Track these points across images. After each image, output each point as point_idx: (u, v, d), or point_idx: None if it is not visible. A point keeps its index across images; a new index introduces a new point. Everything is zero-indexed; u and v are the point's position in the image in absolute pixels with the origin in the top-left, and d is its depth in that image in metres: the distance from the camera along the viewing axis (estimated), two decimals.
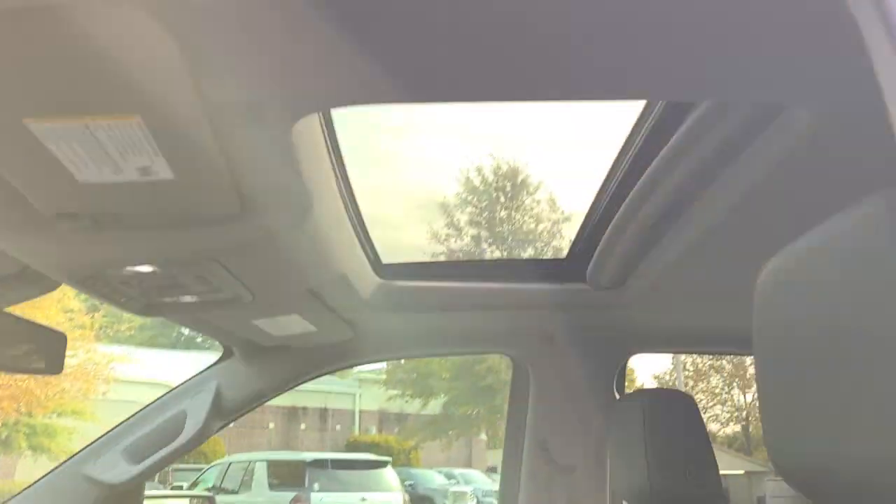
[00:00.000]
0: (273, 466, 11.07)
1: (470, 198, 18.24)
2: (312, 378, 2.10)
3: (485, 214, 18.37)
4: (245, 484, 11.04)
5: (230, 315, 1.60)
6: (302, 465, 10.90)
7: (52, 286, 1.30)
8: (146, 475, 1.94)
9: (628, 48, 0.79)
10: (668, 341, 2.07)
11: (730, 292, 1.66)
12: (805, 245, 0.65)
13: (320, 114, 0.99)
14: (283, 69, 0.77)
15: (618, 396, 2.04)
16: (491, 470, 25.65)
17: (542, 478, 2.02)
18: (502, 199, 18.47)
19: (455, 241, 18.21)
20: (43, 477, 2.02)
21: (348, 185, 1.33)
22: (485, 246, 18.06)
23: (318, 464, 11.00)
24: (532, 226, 18.52)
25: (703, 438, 1.56)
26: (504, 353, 2.11)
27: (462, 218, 18.43)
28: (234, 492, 11.07)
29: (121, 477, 1.92)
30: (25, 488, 1.99)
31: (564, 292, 1.77)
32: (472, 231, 18.35)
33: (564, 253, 1.80)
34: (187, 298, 1.37)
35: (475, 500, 20.79)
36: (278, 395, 2.06)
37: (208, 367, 2.07)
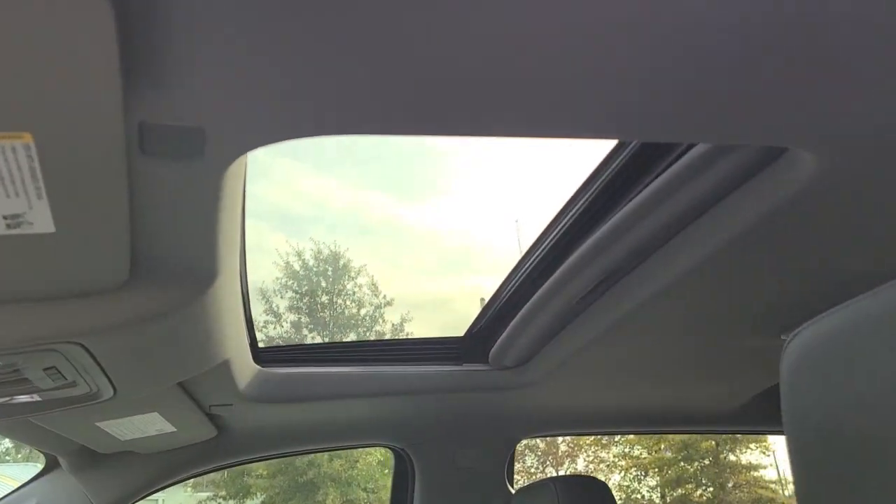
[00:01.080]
0: None
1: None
2: (161, 489, 1.76)
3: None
4: None
5: (71, 417, 1.28)
6: None
7: None
8: None
9: (623, 86, 0.70)
10: (565, 422, 1.99)
11: (641, 370, 1.62)
12: (839, 319, 0.58)
13: (246, 159, 0.80)
14: (242, 88, 0.60)
15: (509, 484, 1.91)
16: None
17: None
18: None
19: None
20: None
21: (244, 252, 1.12)
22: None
23: None
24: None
25: None
26: (387, 444, 1.91)
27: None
28: None
29: None
30: None
31: (460, 373, 1.63)
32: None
33: (459, 333, 1.68)
34: (24, 399, 1.06)
35: None
36: None
37: (24, 485, 1.67)
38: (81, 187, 0.63)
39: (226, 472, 15.45)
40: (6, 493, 1.70)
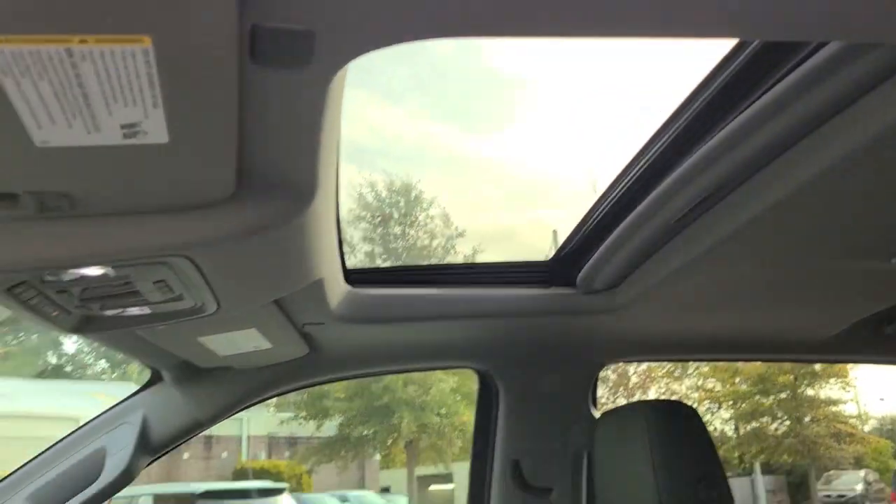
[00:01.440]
0: (159, 501, 10.33)
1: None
2: (256, 403, 1.84)
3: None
4: None
5: (175, 332, 1.34)
6: (190, 499, 10.23)
7: None
8: None
9: None
10: (651, 348, 1.96)
11: (737, 294, 1.58)
12: None
13: (347, 72, 0.79)
14: None
15: (593, 409, 1.92)
16: (384, 490, 25.31)
17: (515, 502, 1.85)
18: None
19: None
20: None
21: (338, 169, 1.12)
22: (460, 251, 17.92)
23: (209, 495, 10.36)
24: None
25: (713, 452, 1.45)
26: (472, 366, 1.93)
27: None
28: None
29: None
30: None
31: (547, 297, 1.62)
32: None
33: (547, 256, 1.66)
34: (134, 311, 1.11)
35: None
36: (216, 423, 1.79)
37: (131, 396, 1.77)
38: (195, 96, 0.63)
39: (305, 394, 16.19)
40: (111, 405, 1.81)
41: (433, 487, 25.49)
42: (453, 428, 15.62)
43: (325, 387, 15.61)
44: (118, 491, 1.63)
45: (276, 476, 18.96)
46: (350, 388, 15.69)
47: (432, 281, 1.63)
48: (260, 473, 20.01)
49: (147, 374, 1.80)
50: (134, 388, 1.82)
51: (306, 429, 18.40)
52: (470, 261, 16.87)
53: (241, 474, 21.27)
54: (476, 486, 1.94)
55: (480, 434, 1.96)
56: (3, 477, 1.69)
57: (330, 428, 17.41)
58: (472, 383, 15.94)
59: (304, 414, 16.98)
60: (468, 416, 15.36)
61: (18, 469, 1.69)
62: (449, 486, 25.63)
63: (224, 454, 23.63)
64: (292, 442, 24.51)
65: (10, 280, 0.90)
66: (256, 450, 25.53)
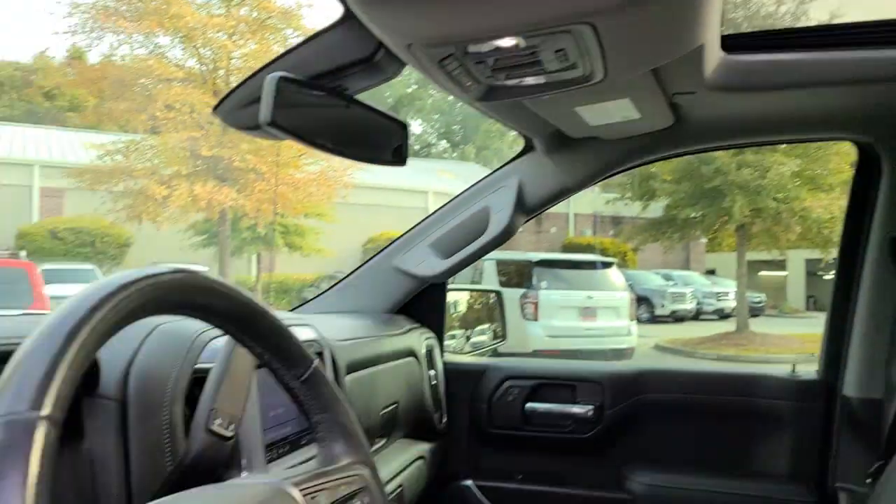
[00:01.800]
0: (501, 265, 11.58)
1: None
2: (618, 172, 1.94)
3: None
4: (475, 282, 11.74)
5: (556, 102, 1.44)
6: (528, 265, 11.28)
7: (398, 70, 1.20)
8: (456, 270, 1.95)
9: None
10: None
11: None
12: None
13: None
14: None
15: None
16: (709, 272, 25.21)
17: (891, 284, 1.76)
18: None
19: None
20: (356, 270, 2.12)
21: None
22: None
23: (545, 263, 11.30)
24: None
25: None
26: (852, 138, 1.78)
27: None
28: None
29: (432, 270, 1.95)
30: (341, 279, 2.11)
31: None
32: None
33: None
34: (531, 81, 1.21)
35: (695, 301, 20.70)
36: (581, 189, 1.94)
37: (507, 163, 1.98)
38: None
39: (630, 176, 16.16)
40: (487, 173, 2.04)
41: (763, 273, 24.71)
42: (792, 213, 14.55)
43: (653, 168, 15.46)
44: (501, 243, 1.90)
45: (602, 252, 19.92)
46: (678, 169, 15.28)
47: (816, 44, 1.48)
48: (587, 249, 21.19)
49: (518, 146, 1.98)
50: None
51: (630, 209, 18.63)
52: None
53: (569, 248, 22.73)
54: (846, 265, 1.86)
55: (856, 211, 1.84)
56: (411, 227, 2.05)
57: (655, 209, 17.42)
58: (816, 167, 14.48)
59: (628, 195, 17.10)
60: (809, 202, 14.15)
61: (422, 221, 2.05)
62: (781, 273, 24.62)
63: (553, 229, 25.35)
64: (616, 221, 25.23)
65: (441, 53, 1.04)
66: (582, 227, 26.89)
